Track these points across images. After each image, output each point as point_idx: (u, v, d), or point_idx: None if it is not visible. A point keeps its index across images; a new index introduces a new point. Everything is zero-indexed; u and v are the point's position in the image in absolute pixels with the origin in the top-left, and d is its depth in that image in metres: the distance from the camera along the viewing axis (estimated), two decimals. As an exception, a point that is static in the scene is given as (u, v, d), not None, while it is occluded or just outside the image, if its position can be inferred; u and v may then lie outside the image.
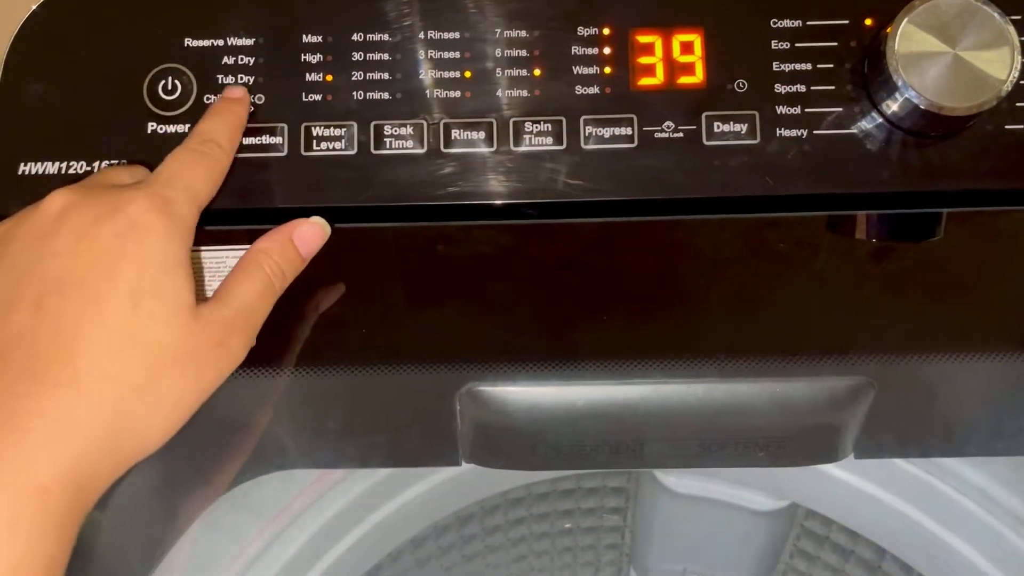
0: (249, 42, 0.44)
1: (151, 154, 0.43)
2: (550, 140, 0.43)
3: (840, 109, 0.42)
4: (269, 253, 0.38)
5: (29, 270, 0.33)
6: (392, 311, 0.40)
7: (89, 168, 0.43)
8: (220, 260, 0.41)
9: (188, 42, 0.44)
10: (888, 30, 0.40)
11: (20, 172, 0.43)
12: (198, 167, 0.38)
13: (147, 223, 0.34)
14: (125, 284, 0.33)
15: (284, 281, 0.38)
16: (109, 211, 0.34)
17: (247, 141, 0.43)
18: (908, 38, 0.40)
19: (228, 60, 0.44)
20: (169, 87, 0.44)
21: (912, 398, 0.43)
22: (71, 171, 0.43)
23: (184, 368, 0.33)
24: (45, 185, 0.43)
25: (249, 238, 0.40)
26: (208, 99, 0.43)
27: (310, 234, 0.40)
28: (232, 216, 0.43)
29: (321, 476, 0.52)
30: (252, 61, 0.44)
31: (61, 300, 0.32)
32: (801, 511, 0.68)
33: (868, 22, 0.43)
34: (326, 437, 0.44)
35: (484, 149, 0.43)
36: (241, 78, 0.44)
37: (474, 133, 0.43)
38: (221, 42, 0.44)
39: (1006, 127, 0.42)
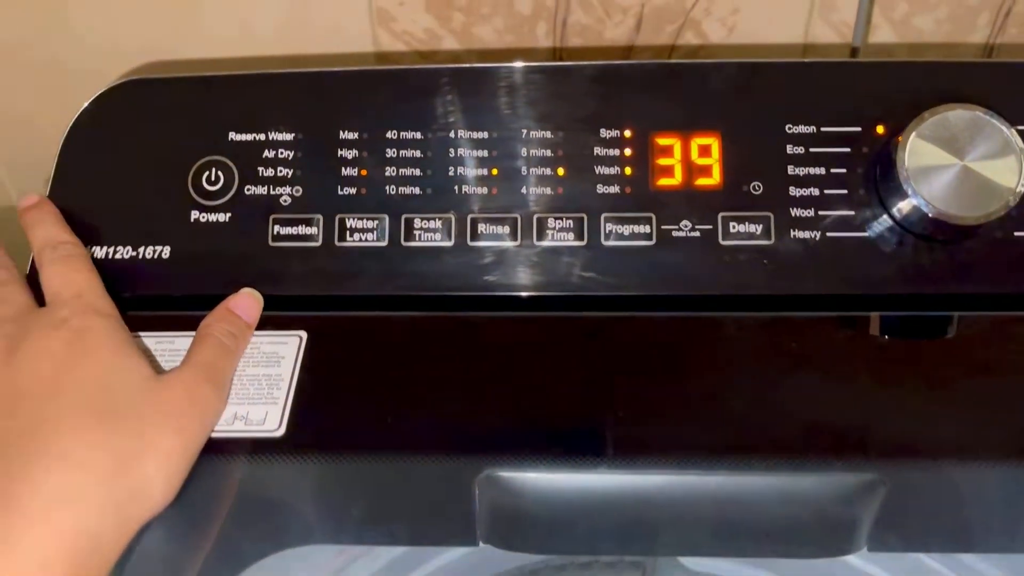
0: (289, 137, 0.47)
1: (194, 241, 0.45)
2: (572, 236, 0.45)
3: (852, 212, 0.44)
4: (211, 322, 0.42)
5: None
6: (416, 399, 0.42)
7: (135, 253, 0.45)
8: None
9: (232, 136, 0.47)
10: (899, 140, 0.42)
11: (70, 256, 0.46)
12: (76, 269, 0.42)
13: (90, 328, 0.38)
14: (90, 372, 0.37)
15: (236, 341, 0.42)
16: (53, 331, 0.38)
17: (284, 231, 0.45)
18: (917, 150, 0.41)
19: (269, 153, 0.46)
20: (212, 178, 0.46)
21: (924, 495, 0.43)
22: (118, 256, 0.46)
23: (163, 425, 0.36)
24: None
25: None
26: (249, 190, 0.46)
27: (244, 301, 0.43)
28: (266, 301, 0.45)
29: (343, 549, 0.53)
30: (291, 155, 0.46)
31: (32, 402, 0.36)
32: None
33: (879, 130, 0.45)
34: (347, 515, 0.45)
35: (509, 243, 0.45)
36: (280, 171, 0.46)
37: (500, 228, 0.45)
38: (263, 136, 0.47)
39: (1015, 233, 0.43)
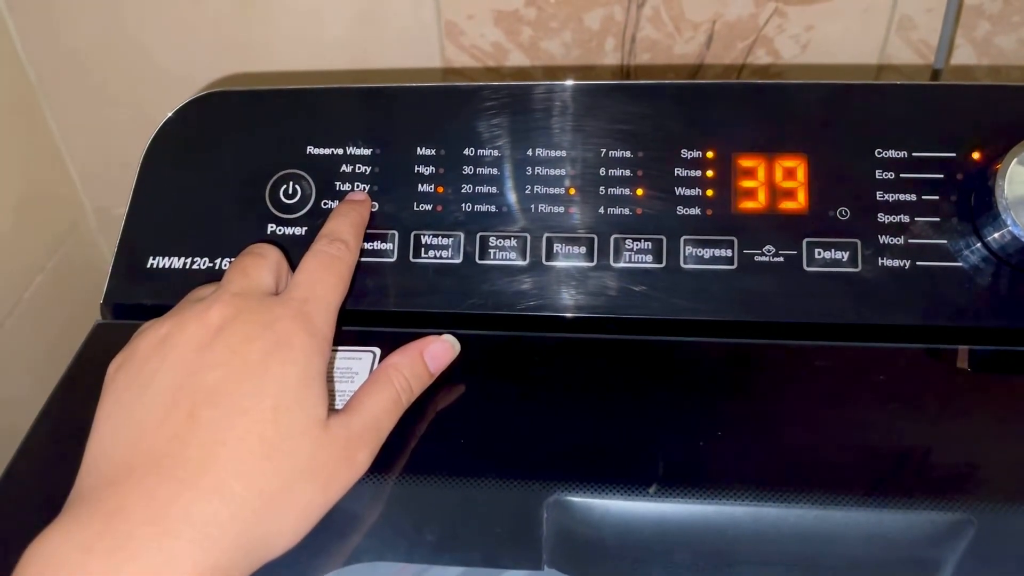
0: (367, 152, 0.46)
1: (269, 254, 0.45)
2: (650, 258, 0.44)
3: (945, 241, 0.42)
4: (400, 368, 0.39)
5: (187, 379, 0.35)
6: (487, 420, 0.41)
7: (211, 264, 0.46)
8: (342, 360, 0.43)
9: (310, 150, 0.47)
10: (997, 167, 0.40)
11: (149, 266, 0.46)
12: (330, 273, 0.40)
13: (291, 342, 0.36)
14: (269, 399, 0.35)
15: (411, 396, 0.39)
16: (260, 330, 0.36)
17: (359, 246, 0.45)
18: (1017, 178, 0.39)
19: (346, 168, 0.46)
20: (290, 191, 0.46)
21: (1014, 538, 0.41)
22: (195, 266, 0.46)
23: (314, 479, 0.35)
24: (170, 278, 0.46)
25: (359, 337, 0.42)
26: (326, 204, 0.46)
27: (440, 351, 0.41)
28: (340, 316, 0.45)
29: (403, 567, 0.53)
30: (368, 170, 0.46)
31: (212, 411, 0.34)
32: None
33: (975, 156, 0.43)
34: (414, 534, 0.45)
35: (584, 264, 0.44)
36: (357, 186, 0.46)
37: (575, 248, 0.44)
38: (341, 151, 0.47)
39: (1120, 267, 0.41)
